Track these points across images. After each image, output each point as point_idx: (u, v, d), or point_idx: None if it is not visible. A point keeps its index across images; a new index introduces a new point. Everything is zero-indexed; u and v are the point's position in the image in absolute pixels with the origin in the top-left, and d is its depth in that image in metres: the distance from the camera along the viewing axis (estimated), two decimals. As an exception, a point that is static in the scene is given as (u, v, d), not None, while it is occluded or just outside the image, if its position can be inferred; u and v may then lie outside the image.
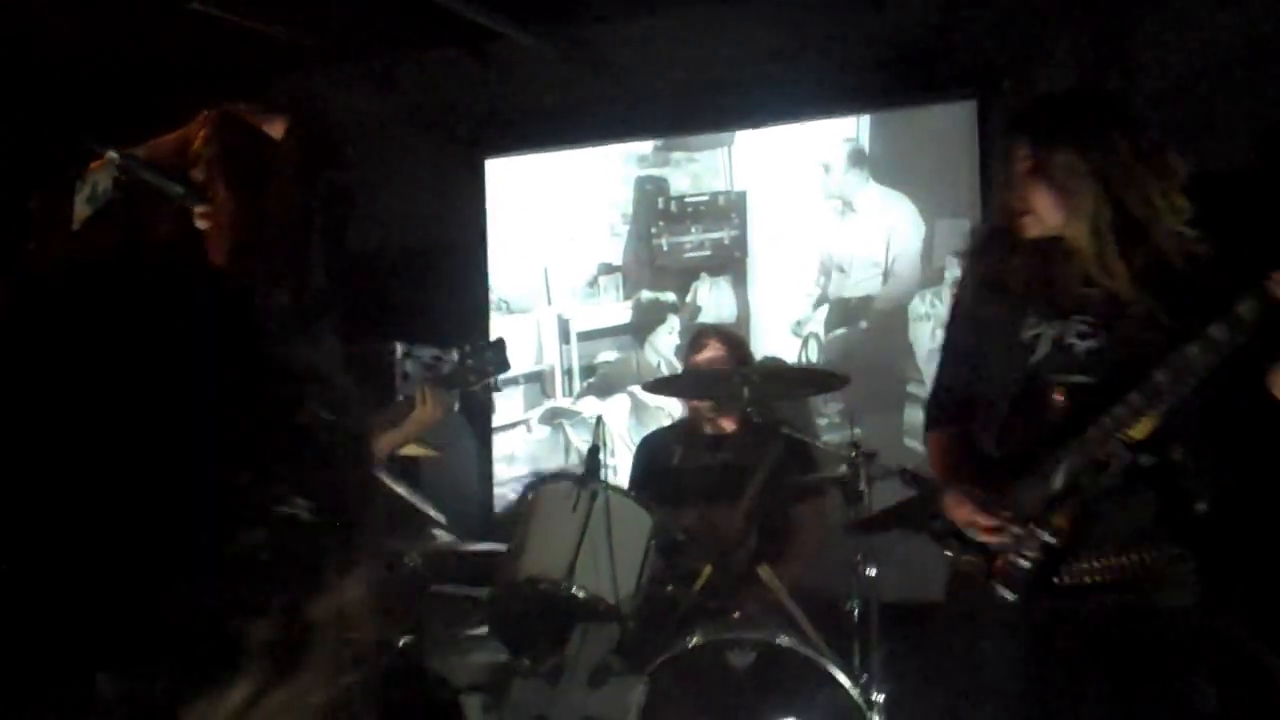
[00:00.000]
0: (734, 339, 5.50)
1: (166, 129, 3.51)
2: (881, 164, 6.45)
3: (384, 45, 7.17)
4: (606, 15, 6.84)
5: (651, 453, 5.47)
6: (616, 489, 4.73)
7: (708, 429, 5.35)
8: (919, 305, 6.32)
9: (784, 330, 6.59)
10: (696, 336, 5.54)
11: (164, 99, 6.31)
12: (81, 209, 3.22)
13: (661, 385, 5.40)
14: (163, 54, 6.77)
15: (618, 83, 6.93)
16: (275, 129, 3.37)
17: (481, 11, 6.47)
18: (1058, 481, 3.22)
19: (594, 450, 4.67)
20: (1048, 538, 3.23)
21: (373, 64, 7.27)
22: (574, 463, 6.63)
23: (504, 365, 3.76)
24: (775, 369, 5.24)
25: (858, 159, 6.48)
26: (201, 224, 3.33)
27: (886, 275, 6.40)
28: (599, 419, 4.68)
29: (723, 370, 5.05)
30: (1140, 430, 3.14)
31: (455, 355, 3.92)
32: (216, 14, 6.62)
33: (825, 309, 6.51)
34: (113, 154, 3.08)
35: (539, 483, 4.86)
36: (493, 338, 4.48)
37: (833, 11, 6.50)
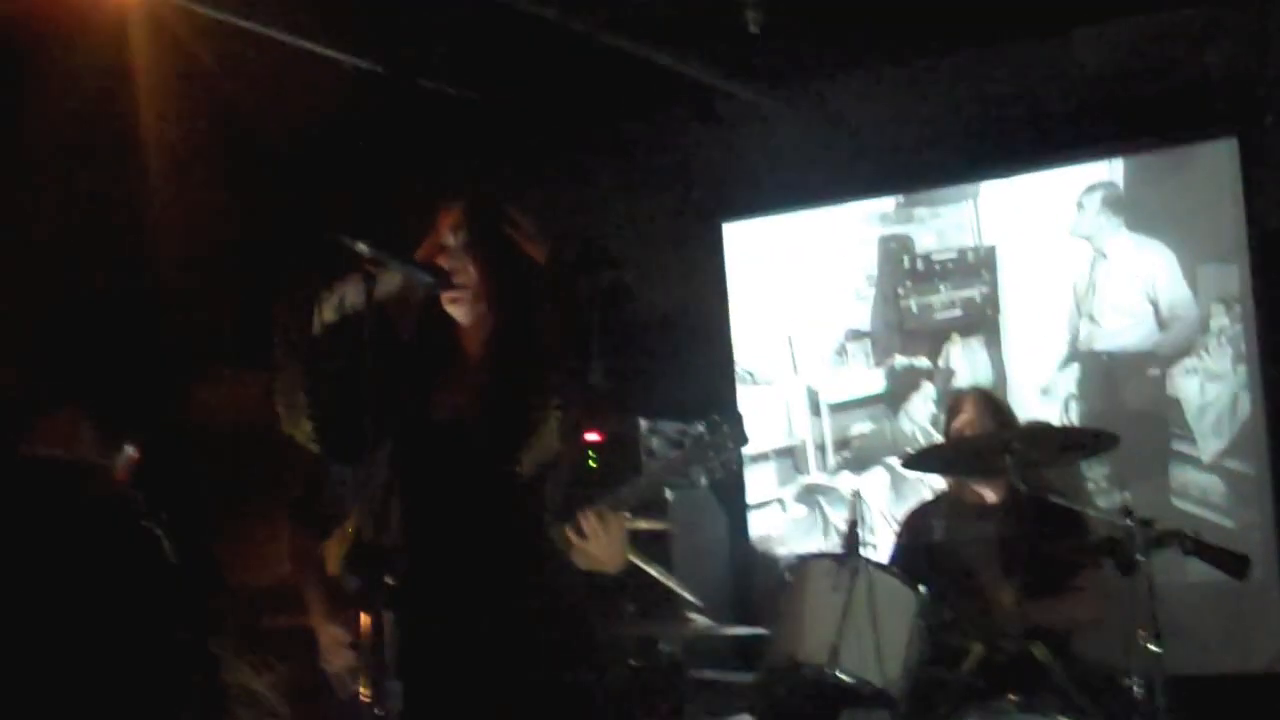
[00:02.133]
0: (994, 402, 5.31)
1: (410, 216, 3.53)
2: (1137, 209, 6.23)
3: (615, 111, 7.15)
4: (839, 68, 6.72)
5: (914, 529, 5.32)
6: (879, 566, 4.61)
7: (971, 500, 5.16)
8: (1184, 358, 6.09)
9: (1041, 391, 6.38)
10: (954, 403, 5.37)
11: (403, 185, 6.45)
12: (328, 316, 3.24)
13: (920, 459, 5.23)
14: (396, 136, 6.85)
15: (854, 137, 6.80)
16: (536, 251, 3.34)
17: (711, 71, 6.41)
18: None
19: (852, 526, 4.55)
20: None
21: (605, 131, 7.26)
22: (832, 542, 6.47)
23: (742, 439, 3.59)
24: (1039, 432, 5.02)
25: (1110, 203, 6.27)
26: (454, 310, 3.31)
27: (1146, 327, 6.18)
28: (856, 494, 4.55)
29: (983, 439, 4.88)
30: None
31: (699, 430, 3.75)
32: (451, 92, 6.70)
33: (1078, 364, 6.33)
34: (362, 246, 3.07)
35: (798, 562, 4.73)
36: (730, 411, 4.38)
37: (1078, 51, 6.31)
